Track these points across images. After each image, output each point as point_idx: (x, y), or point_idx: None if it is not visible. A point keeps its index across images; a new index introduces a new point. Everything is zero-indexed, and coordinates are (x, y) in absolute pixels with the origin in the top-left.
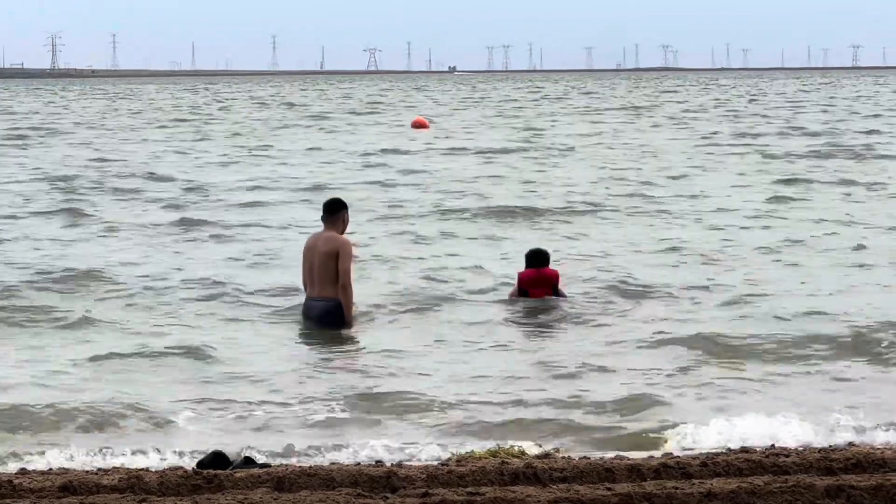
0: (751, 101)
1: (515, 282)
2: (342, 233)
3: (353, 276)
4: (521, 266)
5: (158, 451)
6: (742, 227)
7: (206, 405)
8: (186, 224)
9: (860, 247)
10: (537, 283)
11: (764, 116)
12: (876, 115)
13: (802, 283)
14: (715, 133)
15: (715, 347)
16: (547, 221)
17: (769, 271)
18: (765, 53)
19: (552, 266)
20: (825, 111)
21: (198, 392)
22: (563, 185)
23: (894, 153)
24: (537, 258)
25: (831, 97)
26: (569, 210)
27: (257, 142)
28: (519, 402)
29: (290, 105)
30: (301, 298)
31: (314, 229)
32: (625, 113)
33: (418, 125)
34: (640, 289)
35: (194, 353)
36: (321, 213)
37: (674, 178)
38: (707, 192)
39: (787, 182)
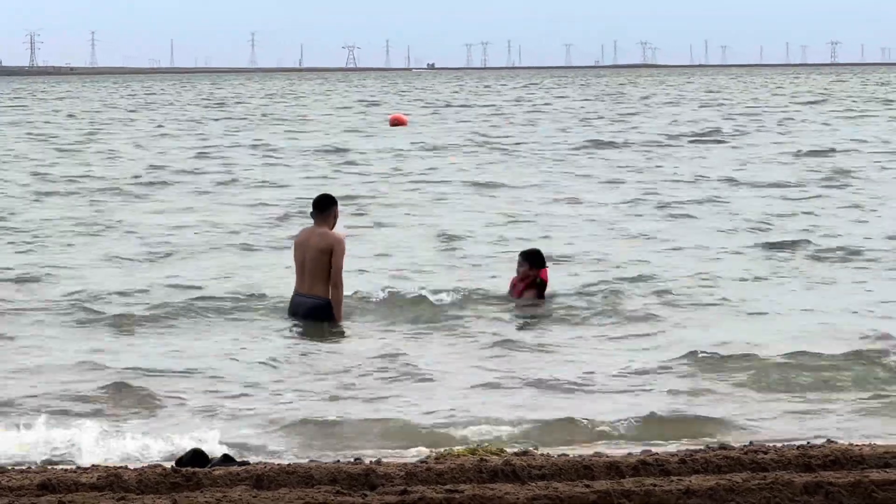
0: None
1: (514, 283)
2: (333, 228)
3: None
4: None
5: (137, 448)
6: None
7: (186, 403)
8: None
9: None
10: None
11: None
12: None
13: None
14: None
15: (695, 348)
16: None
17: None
18: (743, 50)
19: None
20: None
21: (178, 390)
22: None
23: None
24: (542, 256)
25: None
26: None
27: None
28: (499, 400)
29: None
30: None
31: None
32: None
33: (396, 122)
34: (629, 291)
35: (177, 353)
36: (311, 210)
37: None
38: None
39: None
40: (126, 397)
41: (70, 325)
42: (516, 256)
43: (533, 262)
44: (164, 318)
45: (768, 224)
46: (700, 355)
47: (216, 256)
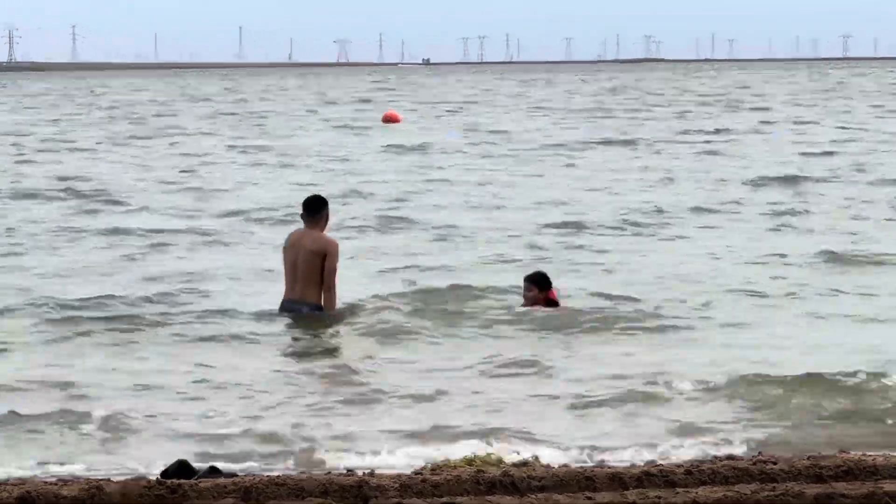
0: None
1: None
2: (324, 230)
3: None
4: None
5: (120, 461)
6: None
7: (171, 414)
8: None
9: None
10: None
11: None
12: None
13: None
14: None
15: (702, 357)
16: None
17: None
18: (751, 44)
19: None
20: None
21: (165, 401)
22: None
23: None
24: (547, 278)
25: None
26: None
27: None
28: (496, 409)
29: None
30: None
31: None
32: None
33: (390, 119)
34: (633, 296)
35: (163, 362)
36: (301, 212)
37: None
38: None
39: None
40: (107, 408)
41: (44, 335)
42: (521, 279)
43: (541, 285)
44: (146, 328)
45: (782, 225)
46: (706, 364)
47: (199, 261)
